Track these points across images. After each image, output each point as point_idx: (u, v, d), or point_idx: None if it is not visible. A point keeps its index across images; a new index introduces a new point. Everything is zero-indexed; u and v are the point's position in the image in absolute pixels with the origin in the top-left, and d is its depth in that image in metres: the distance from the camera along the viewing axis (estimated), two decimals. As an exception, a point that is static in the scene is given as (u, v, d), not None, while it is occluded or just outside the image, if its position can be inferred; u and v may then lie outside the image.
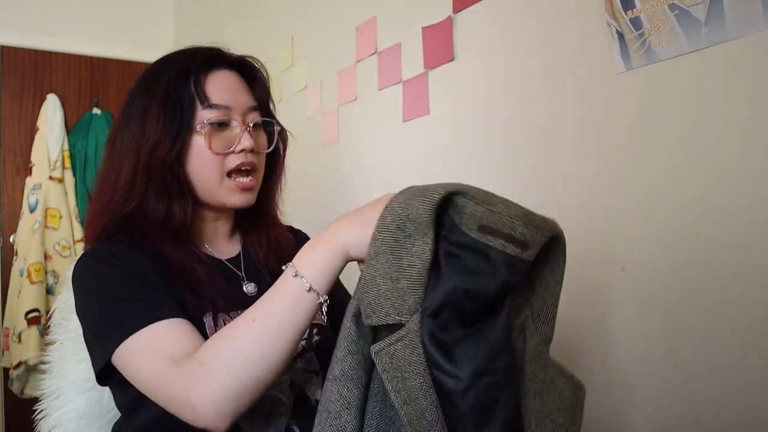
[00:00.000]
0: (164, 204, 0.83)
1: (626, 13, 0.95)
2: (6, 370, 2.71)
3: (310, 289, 0.65)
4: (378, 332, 0.61)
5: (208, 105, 0.83)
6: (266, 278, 0.90)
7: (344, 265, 0.67)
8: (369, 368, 0.62)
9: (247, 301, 0.83)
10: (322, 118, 1.86)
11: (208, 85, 0.85)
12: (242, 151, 0.85)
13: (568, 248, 1.08)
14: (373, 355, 0.58)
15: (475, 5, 1.28)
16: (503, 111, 1.22)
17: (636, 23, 0.94)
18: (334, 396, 0.62)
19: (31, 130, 2.91)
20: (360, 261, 0.66)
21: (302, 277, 0.66)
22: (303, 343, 0.85)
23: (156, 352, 0.69)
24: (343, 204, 1.77)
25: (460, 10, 1.33)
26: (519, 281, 0.61)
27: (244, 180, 0.86)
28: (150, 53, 3.19)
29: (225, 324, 0.77)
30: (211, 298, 0.81)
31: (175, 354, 0.68)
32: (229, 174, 0.85)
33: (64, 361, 0.95)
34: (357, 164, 1.72)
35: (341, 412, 0.61)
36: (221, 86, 0.86)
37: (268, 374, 0.65)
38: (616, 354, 0.99)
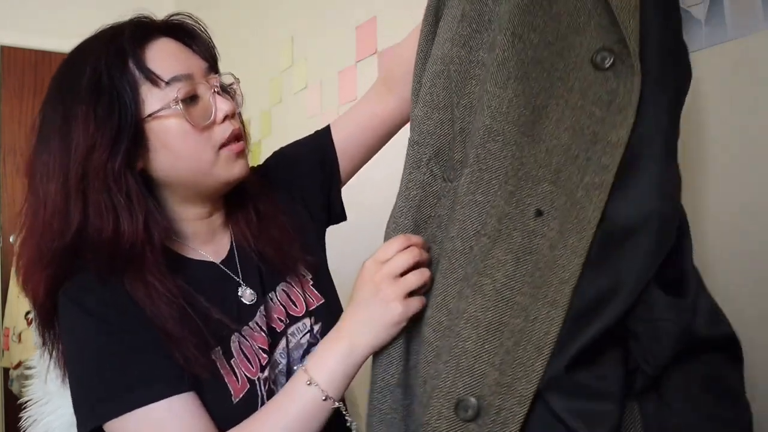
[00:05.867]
0: (111, 220, 0.68)
1: (626, 13, 0.95)
2: (6, 370, 2.71)
3: (326, 398, 0.66)
4: None
5: (166, 82, 0.69)
6: (258, 271, 0.81)
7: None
8: None
9: (244, 317, 0.77)
10: (323, 118, 1.86)
11: (152, 60, 0.70)
12: (225, 118, 0.73)
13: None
14: None
15: (475, 5, 1.28)
16: (503, 111, 1.21)
17: (636, 23, 0.94)
18: None
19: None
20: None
21: (316, 384, 0.66)
22: None
23: None
24: (344, 204, 1.76)
25: (460, 10, 1.33)
26: None
27: (236, 144, 0.75)
28: (150, 53, 3.22)
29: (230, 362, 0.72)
30: (182, 348, 0.69)
31: None
32: (219, 148, 0.74)
33: (51, 366, 0.93)
34: (357, 164, 1.71)
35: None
36: (168, 56, 0.72)
37: None
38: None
